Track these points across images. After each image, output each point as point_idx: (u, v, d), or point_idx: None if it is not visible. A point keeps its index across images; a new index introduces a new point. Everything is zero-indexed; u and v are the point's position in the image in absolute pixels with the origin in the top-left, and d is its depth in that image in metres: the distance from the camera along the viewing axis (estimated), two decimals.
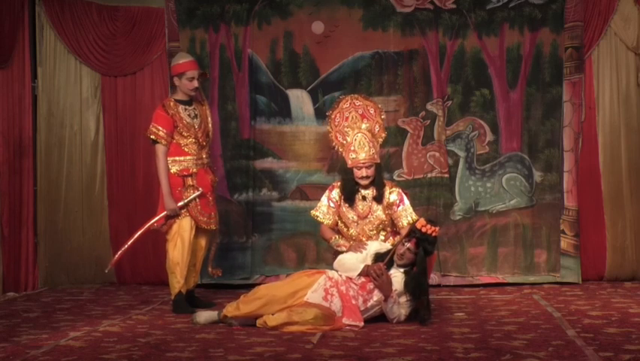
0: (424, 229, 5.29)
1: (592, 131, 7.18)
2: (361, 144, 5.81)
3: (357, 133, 5.86)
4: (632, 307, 5.77)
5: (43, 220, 7.46)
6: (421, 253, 5.30)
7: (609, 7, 7.09)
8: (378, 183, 5.85)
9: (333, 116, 6.08)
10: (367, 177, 5.79)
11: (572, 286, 6.95)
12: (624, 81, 7.15)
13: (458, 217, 7.20)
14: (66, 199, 7.50)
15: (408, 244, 5.35)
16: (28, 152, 7.29)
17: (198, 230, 6.12)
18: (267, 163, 7.32)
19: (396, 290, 5.33)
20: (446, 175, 7.18)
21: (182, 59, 6.17)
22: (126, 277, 7.47)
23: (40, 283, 7.39)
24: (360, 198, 5.86)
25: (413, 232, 5.36)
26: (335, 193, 5.93)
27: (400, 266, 5.41)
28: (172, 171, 6.03)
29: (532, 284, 7.03)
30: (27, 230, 7.28)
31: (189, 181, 6.06)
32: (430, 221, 5.35)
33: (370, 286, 5.35)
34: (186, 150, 6.07)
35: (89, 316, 5.83)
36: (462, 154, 7.22)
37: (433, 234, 5.31)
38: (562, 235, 7.13)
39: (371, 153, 5.80)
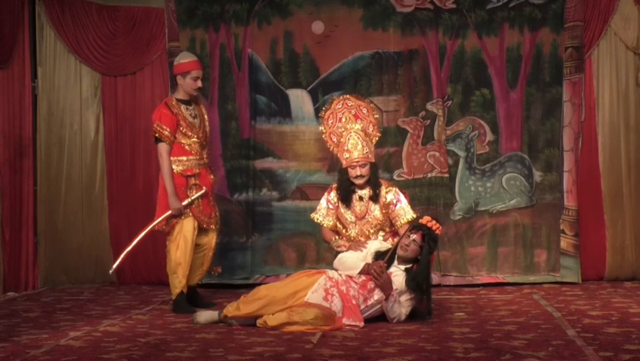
0: (429, 224, 5.34)
1: (592, 131, 7.18)
2: (355, 143, 5.80)
3: (351, 133, 5.85)
4: (632, 307, 5.77)
5: (43, 220, 7.46)
6: (425, 246, 5.34)
7: (609, 7, 7.09)
8: (373, 183, 5.82)
9: (326, 117, 6.05)
10: (362, 176, 5.78)
11: (571, 286, 6.95)
12: (624, 81, 7.15)
13: (458, 217, 7.20)
14: (66, 199, 7.50)
15: (414, 236, 5.37)
16: (28, 152, 7.29)
17: (201, 230, 6.12)
18: (267, 163, 7.32)
19: (397, 289, 5.33)
20: (446, 175, 7.18)
21: (188, 58, 6.16)
22: (126, 277, 7.47)
23: (40, 283, 7.39)
24: (357, 198, 5.85)
25: (419, 225, 5.39)
26: (333, 195, 5.93)
27: (402, 260, 5.41)
28: (175, 171, 6.02)
29: (532, 284, 7.03)
30: (27, 230, 7.28)
31: (193, 181, 6.06)
32: (434, 219, 5.40)
33: (371, 285, 5.35)
34: (189, 149, 6.06)
35: (88, 316, 5.83)
36: (462, 154, 7.22)
37: (437, 231, 5.37)
38: (562, 234, 7.13)
39: (364, 152, 5.79)
